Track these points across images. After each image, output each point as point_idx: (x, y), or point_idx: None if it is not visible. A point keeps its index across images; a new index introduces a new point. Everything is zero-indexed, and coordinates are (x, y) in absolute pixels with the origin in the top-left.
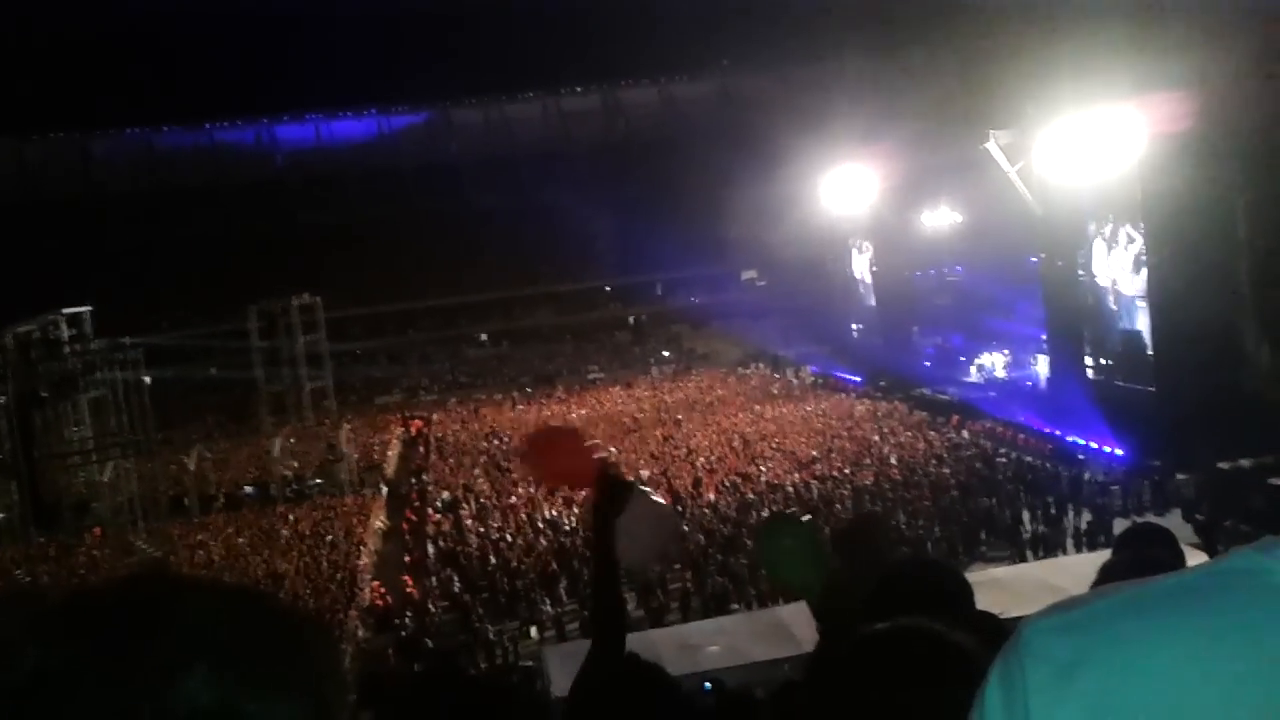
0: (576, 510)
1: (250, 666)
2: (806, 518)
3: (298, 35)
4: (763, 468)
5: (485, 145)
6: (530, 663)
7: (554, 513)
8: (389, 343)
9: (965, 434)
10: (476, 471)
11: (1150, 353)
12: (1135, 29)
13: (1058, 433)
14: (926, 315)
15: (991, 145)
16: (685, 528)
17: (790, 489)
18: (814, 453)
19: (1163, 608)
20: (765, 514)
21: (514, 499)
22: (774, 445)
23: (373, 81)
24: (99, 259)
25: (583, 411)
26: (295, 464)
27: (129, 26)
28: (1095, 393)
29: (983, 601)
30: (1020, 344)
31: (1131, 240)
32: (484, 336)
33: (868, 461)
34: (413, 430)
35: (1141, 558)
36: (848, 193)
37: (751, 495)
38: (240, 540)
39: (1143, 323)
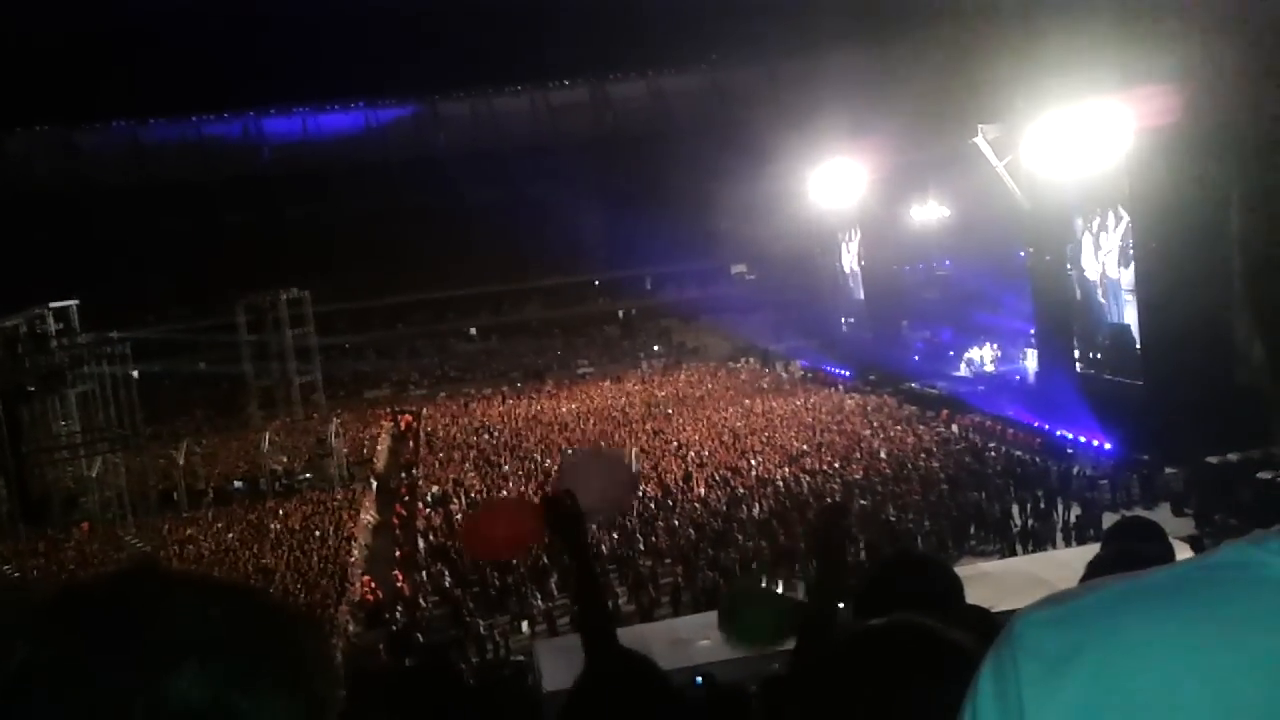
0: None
1: (241, 663)
2: (763, 579)
3: (284, 28)
4: (753, 462)
5: (473, 139)
6: (521, 657)
7: None
8: (378, 337)
9: (954, 428)
10: (466, 466)
11: (1138, 346)
12: (1122, 23)
13: (1046, 427)
14: (915, 309)
15: (979, 140)
16: (637, 471)
17: (780, 483)
18: (804, 447)
19: (1155, 601)
20: (756, 509)
21: (504, 493)
22: (764, 439)
23: (359, 75)
24: (85, 253)
25: (573, 406)
26: (284, 458)
27: (114, 19)
28: (1084, 387)
29: (972, 596)
30: (1009, 338)
31: (1120, 233)
32: (473, 331)
33: (857, 456)
34: (402, 425)
35: (1130, 552)
36: (836, 187)
37: (742, 489)
38: (229, 535)
39: (1131, 316)
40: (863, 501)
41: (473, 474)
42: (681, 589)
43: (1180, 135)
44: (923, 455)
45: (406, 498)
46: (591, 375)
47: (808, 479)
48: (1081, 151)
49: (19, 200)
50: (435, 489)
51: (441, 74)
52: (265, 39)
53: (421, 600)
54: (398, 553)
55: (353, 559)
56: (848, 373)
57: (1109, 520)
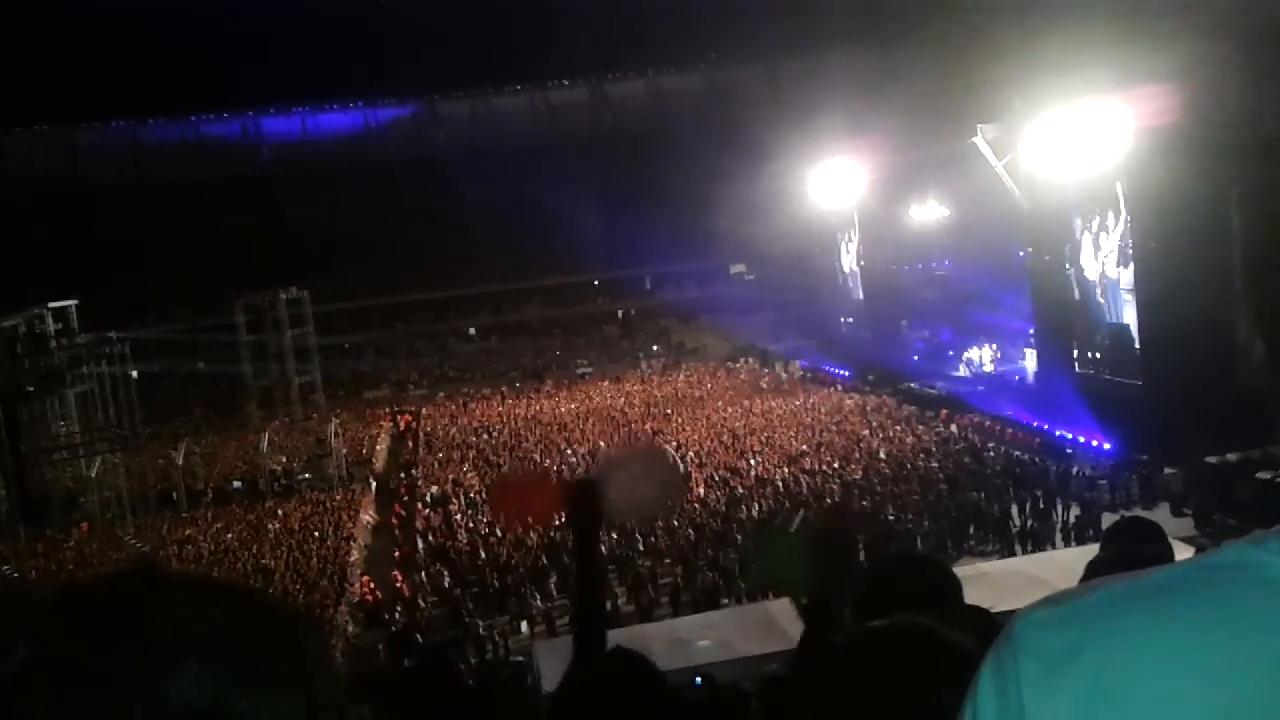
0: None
1: (241, 664)
2: (799, 519)
3: (283, 28)
4: (752, 462)
5: (472, 138)
6: (521, 657)
7: None
8: (377, 337)
9: (954, 428)
10: (466, 466)
11: (1137, 346)
12: (1121, 23)
13: (1046, 427)
14: (914, 309)
15: (979, 139)
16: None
17: (779, 483)
18: (803, 447)
19: (1156, 600)
20: (755, 509)
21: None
22: (763, 440)
23: (359, 74)
24: (84, 253)
25: (572, 406)
26: (283, 459)
27: (113, 18)
28: (1083, 386)
29: (971, 596)
30: (1008, 338)
31: (1119, 233)
32: (473, 331)
33: (856, 456)
34: (401, 425)
35: (1130, 552)
36: (836, 187)
37: (741, 490)
38: (229, 535)
39: (1130, 316)
40: (862, 502)
41: (472, 474)
42: (681, 589)
43: (1179, 135)
44: (922, 455)
45: (406, 498)
46: (591, 375)
47: (807, 479)
48: (1080, 151)
49: (18, 200)
50: (434, 489)
51: (441, 74)
52: (264, 39)
53: (421, 601)
54: (397, 553)
55: (352, 559)
56: (847, 373)
57: (1108, 520)
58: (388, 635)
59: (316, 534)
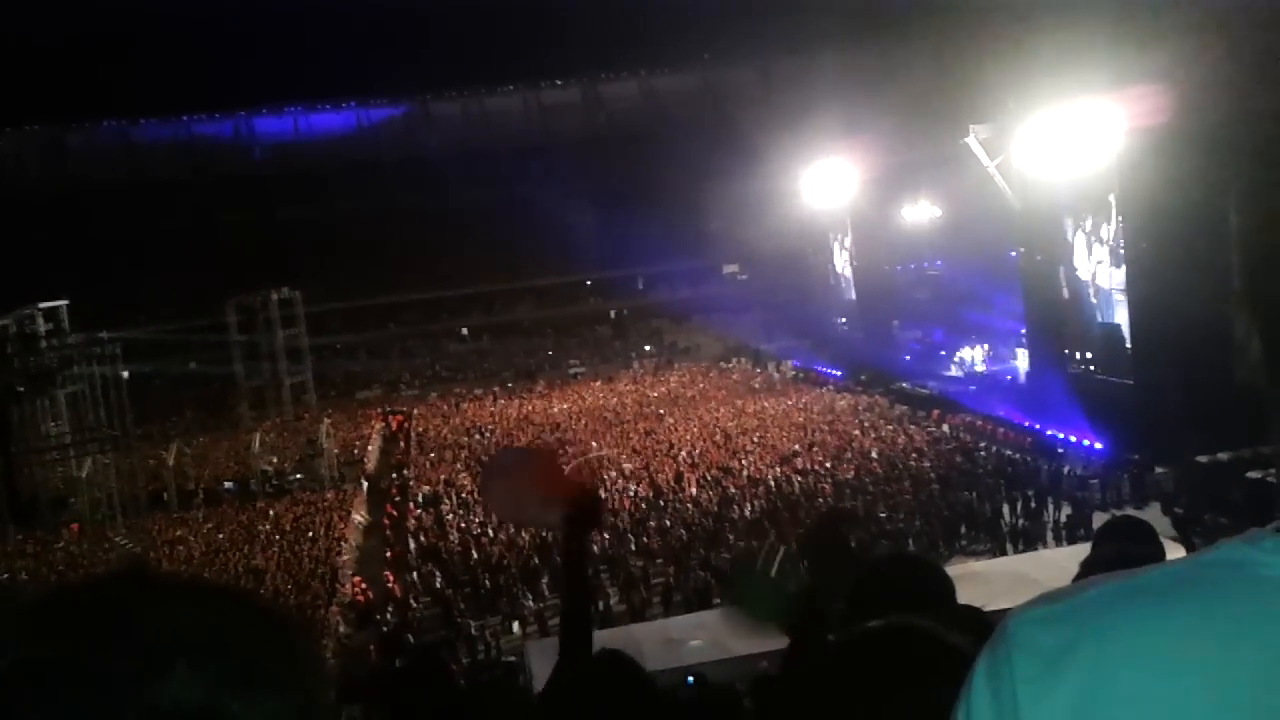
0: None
1: (233, 665)
2: (780, 559)
3: (275, 27)
4: (744, 462)
5: (465, 139)
6: (513, 658)
7: None
8: (369, 337)
9: (945, 428)
10: (458, 466)
11: (1129, 346)
12: (1113, 23)
13: (1037, 426)
14: (907, 309)
15: (971, 140)
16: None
17: (772, 483)
18: (795, 447)
19: (1151, 598)
20: (748, 509)
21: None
22: (755, 439)
23: (351, 74)
24: (75, 253)
25: (564, 406)
26: (275, 459)
27: (104, 18)
28: (1074, 386)
29: (963, 595)
30: (1000, 338)
31: (1111, 233)
32: (465, 331)
33: (849, 455)
34: (393, 425)
35: (1122, 551)
36: (828, 187)
37: (733, 489)
38: (220, 536)
39: (1121, 316)
40: (854, 501)
41: (464, 475)
42: (673, 589)
43: (1171, 135)
44: (914, 455)
45: (397, 498)
46: (583, 375)
47: (799, 479)
48: (1073, 151)
49: (9, 200)
50: (426, 489)
51: (433, 73)
52: (256, 38)
53: (412, 601)
54: (389, 553)
55: (343, 560)
56: (839, 373)
57: (1099, 520)
58: (379, 636)
59: (308, 534)
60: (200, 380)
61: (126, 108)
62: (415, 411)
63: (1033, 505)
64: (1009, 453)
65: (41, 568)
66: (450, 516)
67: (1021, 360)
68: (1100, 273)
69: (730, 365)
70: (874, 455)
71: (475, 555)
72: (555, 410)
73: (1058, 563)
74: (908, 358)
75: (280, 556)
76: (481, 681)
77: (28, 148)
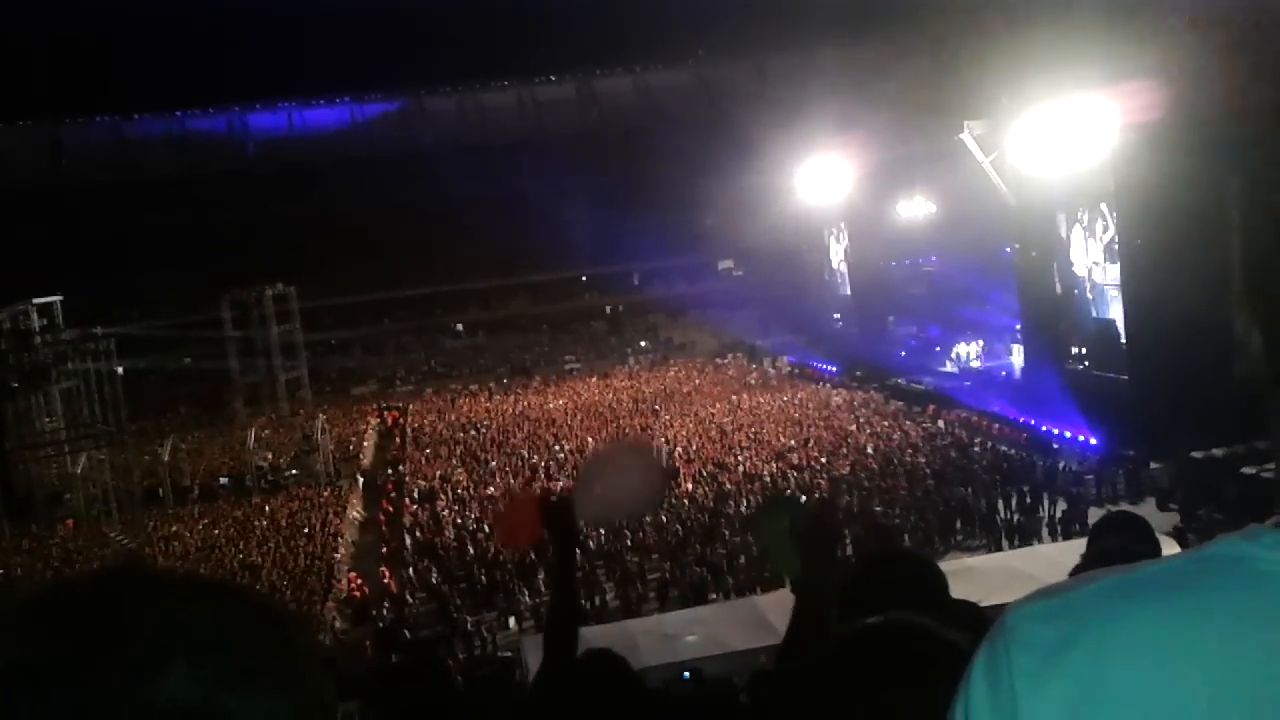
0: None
1: (231, 662)
2: (801, 506)
3: (269, 22)
4: (740, 458)
5: (459, 134)
6: (509, 653)
7: None
8: (364, 332)
9: (941, 423)
10: (453, 462)
11: (1124, 342)
12: (1108, 18)
13: (1032, 422)
14: (902, 305)
15: (966, 136)
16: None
17: (768, 478)
18: (791, 442)
19: (1149, 593)
20: (744, 505)
21: (491, 489)
22: (751, 435)
23: (345, 69)
24: (69, 248)
25: (560, 401)
26: (270, 455)
27: (98, 13)
28: (1069, 382)
29: (958, 591)
30: (995, 334)
31: (1105, 229)
32: (460, 326)
33: (844, 451)
34: (389, 421)
35: (1118, 546)
36: (823, 183)
37: (729, 485)
38: (215, 532)
39: (1116, 312)
40: (849, 497)
41: (460, 470)
42: (669, 585)
43: (1166, 131)
44: (909, 450)
45: (393, 494)
46: (579, 371)
47: (795, 474)
48: (1067, 147)
49: (3, 196)
50: (422, 485)
51: (428, 69)
52: (251, 34)
53: (408, 596)
54: (384, 549)
55: (339, 555)
56: (834, 368)
57: (1094, 515)
58: (375, 631)
59: (304, 530)
60: (195, 376)
61: (120, 103)
62: (410, 407)
63: (1028, 501)
64: (1004, 448)
65: (36, 564)
66: (446, 512)
67: (1016, 356)
68: (1095, 268)
69: (725, 361)
70: (869, 451)
71: (471, 550)
72: (551, 406)
73: (1053, 558)
74: (903, 353)
75: (276, 552)
76: (478, 677)
77: (22, 143)
